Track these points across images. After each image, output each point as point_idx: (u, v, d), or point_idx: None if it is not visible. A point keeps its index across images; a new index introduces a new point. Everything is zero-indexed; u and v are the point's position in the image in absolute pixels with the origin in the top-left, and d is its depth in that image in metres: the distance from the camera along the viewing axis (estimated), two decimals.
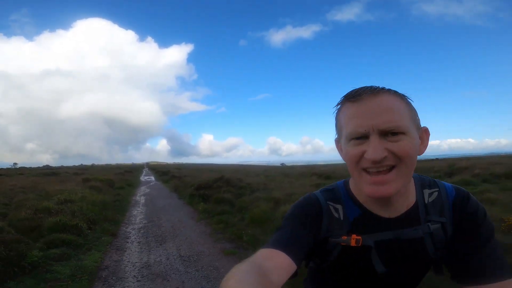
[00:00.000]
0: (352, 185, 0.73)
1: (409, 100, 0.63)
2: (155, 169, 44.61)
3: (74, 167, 54.15)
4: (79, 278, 3.26)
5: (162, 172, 28.43)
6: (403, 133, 0.58)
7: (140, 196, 11.48)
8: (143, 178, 24.44)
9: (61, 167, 52.39)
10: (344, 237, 0.67)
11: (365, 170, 0.61)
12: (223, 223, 5.87)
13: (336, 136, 0.71)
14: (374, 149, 0.58)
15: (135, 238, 5.10)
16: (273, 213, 5.55)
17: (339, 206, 0.70)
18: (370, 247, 0.66)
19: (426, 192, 0.71)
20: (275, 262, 0.56)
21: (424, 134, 0.66)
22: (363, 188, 0.63)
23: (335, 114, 0.69)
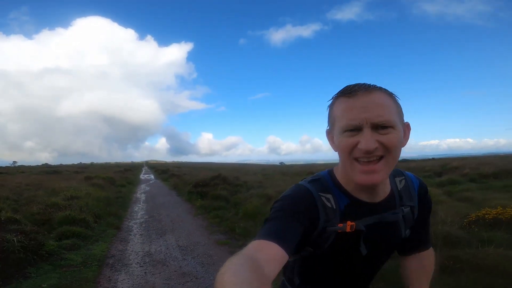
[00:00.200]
0: (338, 174, 0.77)
1: (396, 97, 0.70)
2: (154, 167, 45.02)
3: (73, 166, 54.38)
4: (90, 264, 3.72)
5: (162, 170, 28.82)
6: (392, 127, 0.65)
7: (140, 193, 11.93)
8: (142, 176, 24.84)
9: (61, 166, 52.62)
10: (340, 225, 0.71)
11: (356, 159, 0.66)
12: (219, 217, 6.35)
13: (328, 128, 0.76)
14: (367, 140, 0.63)
15: (137, 231, 5.56)
16: (264, 208, 6.01)
17: (329, 196, 0.73)
18: (362, 231, 0.72)
19: (397, 180, 0.81)
20: (268, 253, 0.58)
21: (406, 128, 0.72)
22: (354, 177, 0.68)
23: (328, 107, 0.74)
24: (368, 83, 0.69)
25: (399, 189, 0.80)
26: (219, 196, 8.45)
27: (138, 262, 3.87)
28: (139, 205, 8.75)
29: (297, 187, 0.76)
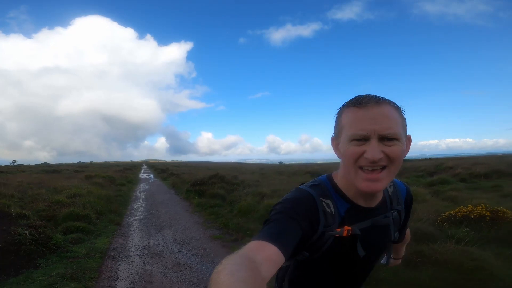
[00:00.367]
0: (338, 180, 0.80)
1: (402, 111, 0.73)
2: (153, 166, 45.33)
3: (73, 165, 54.52)
4: (93, 256, 4.05)
5: (161, 169, 29.13)
6: (397, 139, 0.68)
7: (140, 192, 12.26)
8: (142, 175, 25.12)
9: (60, 165, 52.76)
10: (338, 229, 0.74)
11: (361, 168, 0.70)
12: (214, 214, 6.69)
13: (333, 135, 0.79)
14: (374, 150, 0.66)
15: (137, 226, 5.90)
16: (257, 206, 6.34)
17: (329, 202, 0.76)
18: (357, 235, 0.76)
19: (388, 185, 0.85)
20: (265, 254, 0.58)
21: (408, 141, 0.75)
22: (358, 184, 0.71)
23: (336, 115, 0.77)
24: (377, 95, 0.72)
25: (389, 194, 0.86)
26: (216, 195, 8.77)
27: (137, 254, 4.20)
28: (139, 203, 9.07)
29: (298, 191, 0.78)
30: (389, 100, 0.72)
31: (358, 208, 0.78)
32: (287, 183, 11.12)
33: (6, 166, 45.46)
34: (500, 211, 4.13)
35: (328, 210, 0.75)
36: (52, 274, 3.38)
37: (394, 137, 0.68)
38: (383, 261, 1.16)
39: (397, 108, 0.72)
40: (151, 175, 24.65)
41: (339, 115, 0.76)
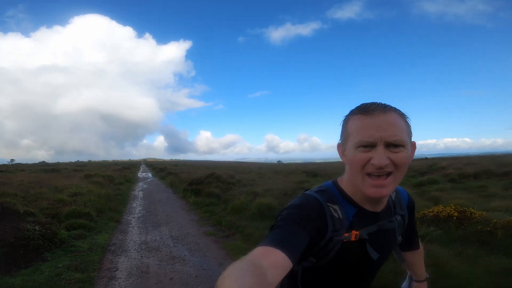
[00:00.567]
0: (344, 186, 0.81)
1: (407, 118, 0.75)
2: (152, 165, 45.61)
3: (71, 164, 54.56)
4: (95, 250, 4.41)
5: (159, 168, 29.41)
6: (403, 145, 0.70)
7: (138, 191, 12.60)
8: (140, 174, 25.44)
9: (58, 164, 52.78)
10: (346, 234, 0.75)
11: (368, 174, 0.72)
12: (209, 212, 7.06)
13: (340, 142, 0.80)
14: (380, 157, 0.69)
15: (135, 224, 6.26)
16: (250, 204, 6.70)
17: (336, 207, 0.77)
18: (365, 239, 0.78)
19: None
20: (272, 260, 0.58)
21: (413, 147, 0.77)
22: (365, 190, 0.73)
23: (343, 122, 0.78)
24: (383, 102, 0.74)
25: (393, 199, 0.89)
26: (211, 193, 9.13)
27: (135, 249, 4.56)
28: (137, 202, 9.43)
29: (305, 197, 0.79)
30: (395, 108, 0.75)
31: (365, 212, 0.80)
32: (282, 183, 11.49)
33: (4, 165, 45.34)
34: (468, 212, 4.35)
35: (336, 215, 0.76)
36: (59, 266, 3.73)
37: (400, 143, 0.70)
38: (403, 286, 1.15)
39: (403, 116, 0.75)
40: (150, 174, 24.95)
41: (345, 122, 0.78)
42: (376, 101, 0.75)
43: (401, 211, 0.90)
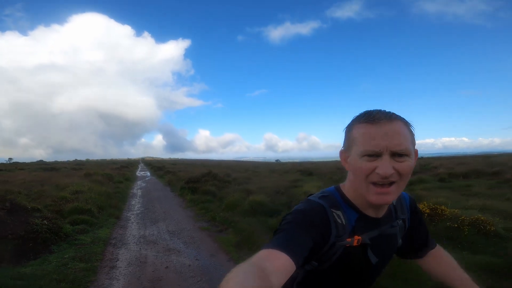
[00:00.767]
0: (347, 191, 0.83)
1: (412, 127, 0.75)
2: (150, 164, 45.89)
3: (69, 162, 54.63)
4: (97, 243, 4.77)
5: (158, 167, 29.71)
6: (407, 155, 0.71)
7: (137, 189, 12.95)
8: (139, 173, 25.73)
9: (56, 162, 52.83)
10: (349, 239, 0.77)
11: (372, 183, 0.72)
12: (205, 209, 7.43)
13: (343, 148, 0.81)
14: (386, 166, 0.69)
15: (134, 220, 6.63)
16: (243, 201, 7.08)
17: (339, 212, 0.78)
18: (367, 244, 0.80)
19: None
20: (276, 262, 0.59)
21: (415, 155, 0.77)
22: (369, 197, 0.74)
23: (346, 129, 0.79)
24: (388, 110, 0.74)
25: (394, 204, 0.89)
26: (208, 191, 9.49)
27: (134, 242, 4.93)
28: (136, 199, 9.79)
29: (308, 202, 0.80)
30: (400, 117, 0.74)
31: (367, 218, 0.81)
32: (277, 181, 11.89)
33: (2, 163, 45.29)
34: (439, 209, 4.61)
35: (339, 220, 0.77)
36: (65, 257, 4.09)
37: (405, 153, 0.70)
38: None
39: (407, 124, 0.74)
40: (148, 173, 25.24)
41: (349, 129, 0.78)
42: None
43: (403, 215, 0.91)
